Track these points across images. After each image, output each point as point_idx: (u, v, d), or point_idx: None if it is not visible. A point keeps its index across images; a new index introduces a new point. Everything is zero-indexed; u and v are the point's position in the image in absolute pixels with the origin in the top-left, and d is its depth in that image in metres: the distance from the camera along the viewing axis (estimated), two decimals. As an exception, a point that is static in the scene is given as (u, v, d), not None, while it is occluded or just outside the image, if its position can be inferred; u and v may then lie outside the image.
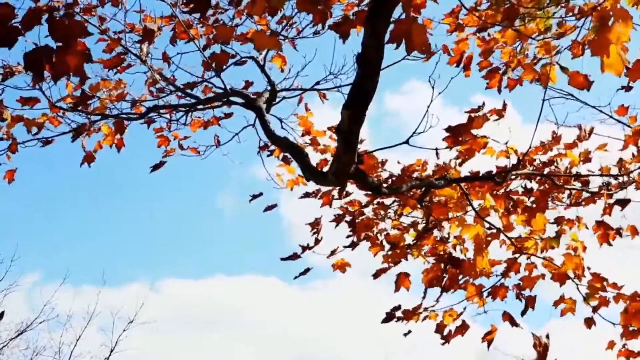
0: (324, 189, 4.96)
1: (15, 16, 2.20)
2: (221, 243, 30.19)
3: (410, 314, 4.51)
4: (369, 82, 3.01)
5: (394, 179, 4.71)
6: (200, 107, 5.16)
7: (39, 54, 2.23)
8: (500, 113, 4.29)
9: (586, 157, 4.86)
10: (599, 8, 2.73)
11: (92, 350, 16.72)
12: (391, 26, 2.71)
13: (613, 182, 4.84)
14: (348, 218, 4.96)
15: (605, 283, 4.32)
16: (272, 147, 5.28)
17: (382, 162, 4.73)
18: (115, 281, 28.97)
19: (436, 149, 4.31)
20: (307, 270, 4.87)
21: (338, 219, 4.98)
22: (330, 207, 5.03)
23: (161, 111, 5.15)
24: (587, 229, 4.67)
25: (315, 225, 5.02)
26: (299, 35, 4.80)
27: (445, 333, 4.52)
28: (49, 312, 15.99)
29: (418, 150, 4.18)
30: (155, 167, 5.34)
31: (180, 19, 4.55)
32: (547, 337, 3.46)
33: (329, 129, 5.13)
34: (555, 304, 4.55)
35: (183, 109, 5.21)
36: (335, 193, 4.98)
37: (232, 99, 4.96)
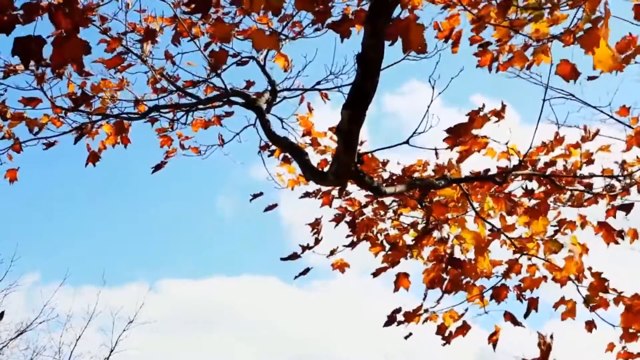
0: (324, 188, 4.96)
1: (14, 8, 2.21)
2: (220, 243, 30.23)
3: (411, 316, 4.50)
4: (369, 82, 3.01)
5: (394, 178, 4.70)
6: (201, 106, 5.16)
7: (30, 42, 2.25)
8: (499, 114, 4.28)
9: (588, 158, 4.84)
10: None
11: (92, 350, 16.76)
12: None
13: (615, 183, 4.83)
14: (348, 218, 4.96)
15: (606, 284, 4.31)
16: (273, 147, 5.28)
17: (383, 162, 4.72)
18: (114, 281, 29.00)
19: (435, 149, 4.30)
20: (307, 270, 4.86)
21: (338, 219, 4.98)
22: (330, 207, 5.03)
23: (162, 111, 5.15)
24: (592, 226, 4.64)
25: (315, 225, 5.02)
26: (300, 34, 4.80)
27: (446, 334, 4.51)
28: (49, 312, 16.03)
29: (418, 150, 4.17)
30: (157, 168, 5.35)
31: (181, 19, 4.55)
32: (552, 337, 3.46)
33: (330, 129, 5.13)
34: (556, 305, 4.52)
35: (184, 108, 5.22)
36: (335, 193, 4.97)
37: (233, 98, 4.97)
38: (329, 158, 4.97)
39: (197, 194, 29.12)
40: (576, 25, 3.19)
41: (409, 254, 4.80)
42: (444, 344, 4.52)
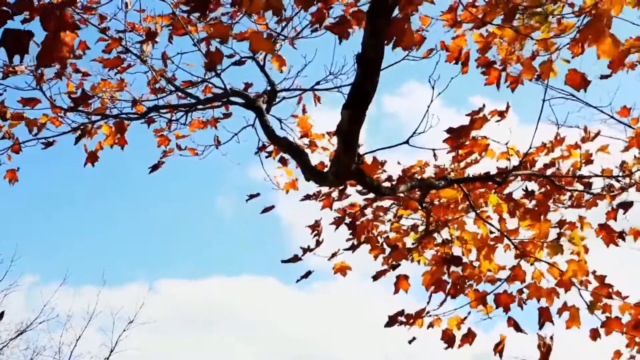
0: (324, 190, 4.94)
1: (6, 2, 2.21)
2: (220, 243, 30.20)
3: (413, 318, 4.48)
4: (369, 82, 3.00)
5: (394, 182, 4.67)
6: (200, 107, 5.15)
7: (18, 35, 2.25)
8: (502, 114, 4.26)
9: (587, 159, 4.83)
10: (599, 5, 2.71)
11: (92, 350, 16.74)
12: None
13: (615, 184, 4.82)
14: (348, 220, 4.94)
15: (610, 290, 4.26)
16: (270, 148, 5.27)
17: (382, 162, 4.71)
18: (114, 281, 28.97)
19: (434, 150, 4.28)
20: (309, 273, 4.85)
21: (338, 222, 4.95)
22: (331, 209, 5.00)
23: (161, 111, 5.14)
24: (592, 228, 4.62)
25: (316, 227, 5.00)
26: (299, 35, 4.78)
27: (450, 339, 4.48)
28: (49, 312, 16.00)
29: (417, 151, 4.15)
30: (154, 168, 5.33)
31: (179, 19, 4.54)
32: (551, 338, 3.44)
33: (328, 133, 5.12)
34: (559, 312, 4.43)
35: (183, 109, 5.20)
36: (335, 195, 4.95)
37: (232, 99, 4.96)
38: (327, 162, 4.94)
39: (197, 194, 29.12)
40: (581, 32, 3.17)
41: (409, 257, 4.78)
42: (447, 347, 4.50)
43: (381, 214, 4.94)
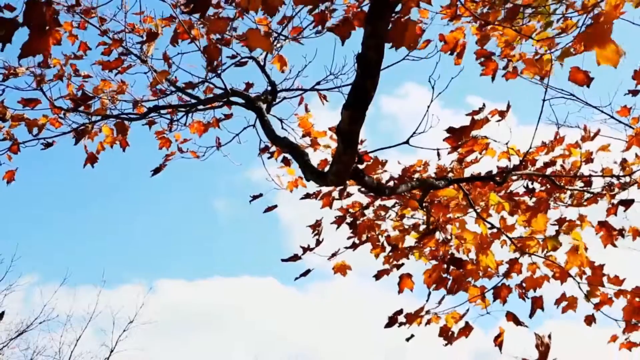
0: (325, 189, 4.94)
1: None
2: (219, 244, 30.25)
3: (412, 318, 4.48)
4: (369, 82, 2.99)
5: (395, 182, 4.68)
6: (200, 107, 5.15)
7: (2, 23, 2.25)
8: (502, 114, 4.27)
9: (588, 158, 4.84)
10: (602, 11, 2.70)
11: (92, 350, 16.77)
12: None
13: (615, 182, 4.82)
14: (349, 219, 4.94)
15: (605, 279, 4.31)
16: (273, 149, 5.27)
17: (383, 162, 4.71)
18: (114, 282, 29.03)
19: (437, 150, 4.29)
20: (308, 271, 4.84)
21: (339, 221, 4.95)
22: (331, 208, 5.00)
23: (162, 111, 5.14)
24: (592, 226, 4.64)
25: (316, 226, 5.00)
26: (300, 35, 4.78)
27: (448, 335, 4.49)
28: (49, 312, 16.05)
29: (417, 151, 4.17)
30: (156, 171, 5.33)
31: (180, 20, 4.54)
32: (550, 337, 3.44)
33: (330, 129, 5.11)
34: (557, 302, 4.51)
35: (183, 109, 5.20)
36: (335, 194, 4.95)
37: (233, 99, 4.96)
38: (329, 158, 4.95)
39: (197, 195, 29.16)
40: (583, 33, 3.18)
41: (410, 255, 4.79)
42: (446, 345, 4.50)
43: (382, 212, 4.94)
